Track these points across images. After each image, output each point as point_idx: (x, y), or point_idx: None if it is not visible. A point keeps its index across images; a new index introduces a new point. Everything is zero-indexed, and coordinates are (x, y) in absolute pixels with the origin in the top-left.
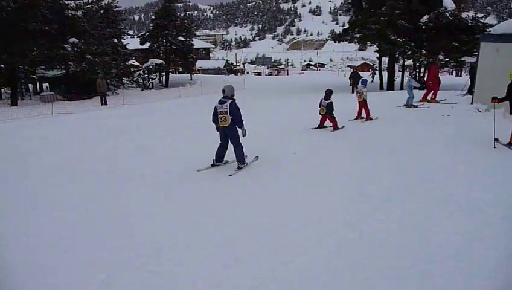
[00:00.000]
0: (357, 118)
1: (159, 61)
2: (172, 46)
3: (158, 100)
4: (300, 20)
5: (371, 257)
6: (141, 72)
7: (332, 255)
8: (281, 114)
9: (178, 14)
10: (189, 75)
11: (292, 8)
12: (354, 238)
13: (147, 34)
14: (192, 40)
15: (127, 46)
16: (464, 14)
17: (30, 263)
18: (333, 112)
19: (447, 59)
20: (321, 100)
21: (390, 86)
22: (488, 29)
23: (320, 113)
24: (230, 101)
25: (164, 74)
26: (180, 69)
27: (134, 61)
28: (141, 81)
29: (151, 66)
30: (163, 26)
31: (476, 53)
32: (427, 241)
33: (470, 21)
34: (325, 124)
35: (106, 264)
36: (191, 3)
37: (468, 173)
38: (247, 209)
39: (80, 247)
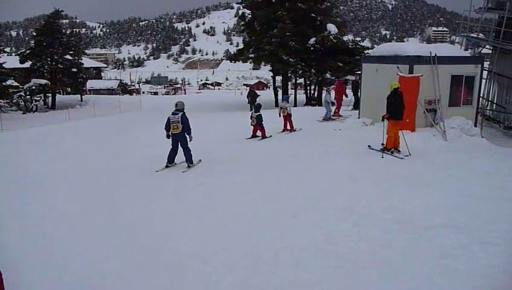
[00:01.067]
0: (283, 131)
1: (43, 81)
2: (59, 65)
3: (44, 124)
4: (195, 40)
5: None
6: (22, 94)
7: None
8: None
9: (64, 31)
10: (79, 95)
11: (186, 28)
12: (270, 256)
13: (28, 51)
14: (82, 59)
15: (3, 65)
16: (345, 38)
17: None
18: (262, 123)
19: (333, 77)
20: (251, 113)
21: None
22: (366, 52)
23: (251, 124)
24: (181, 113)
25: (50, 95)
26: (69, 89)
27: (13, 81)
28: (22, 103)
29: (34, 87)
30: (47, 43)
31: (358, 72)
32: (341, 251)
33: (350, 44)
34: (256, 134)
35: None
36: (78, 20)
37: (362, 182)
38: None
39: None
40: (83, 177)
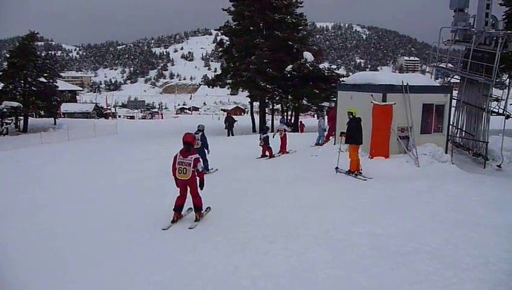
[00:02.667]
0: (281, 152)
1: (15, 104)
2: (32, 88)
3: (14, 148)
4: (173, 65)
5: None
6: None
7: None
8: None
9: (39, 53)
10: (52, 119)
11: (164, 53)
12: (248, 285)
13: (0, 73)
14: (56, 82)
15: None
16: (321, 65)
17: None
18: (269, 144)
19: (310, 104)
20: (260, 135)
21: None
22: (341, 79)
23: (260, 145)
24: (201, 133)
25: (22, 117)
26: (42, 112)
27: None
28: None
29: (5, 109)
30: (21, 65)
31: (334, 98)
32: (317, 278)
33: (326, 71)
34: (266, 153)
35: None
36: (54, 43)
37: (338, 208)
38: None
39: None
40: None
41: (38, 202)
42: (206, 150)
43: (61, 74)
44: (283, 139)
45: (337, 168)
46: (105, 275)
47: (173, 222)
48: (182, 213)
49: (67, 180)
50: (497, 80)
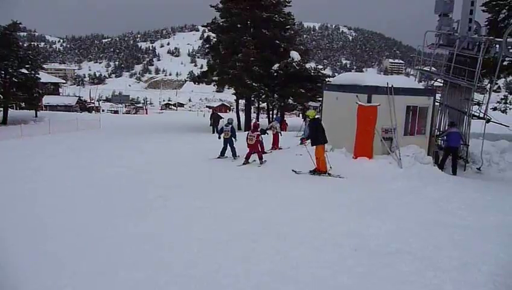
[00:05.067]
0: (274, 148)
1: None
2: (13, 79)
3: None
4: (159, 60)
5: None
6: None
7: None
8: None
9: (21, 43)
10: (34, 111)
11: (150, 48)
12: (231, 283)
13: None
14: (39, 74)
15: None
16: (307, 65)
17: None
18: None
19: (295, 103)
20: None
21: (248, 128)
22: (327, 79)
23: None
24: (231, 125)
25: (1, 109)
26: (23, 104)
27: None
28: None
29: None
30: (2, 55)
31: (320, 99)
32: (301, 277)
33: (312, 71)
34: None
35: None
36: (37, 34)
37: (321, 208)
38: None
39: None
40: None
41: (16, 196)
42: (233, 139)
43: (44, 65)
44: (275, 136)
45: (294, 170)
46: (82, 273)
47: (244, 164)
48: None
49: (46, 174)
50: (479, 85)
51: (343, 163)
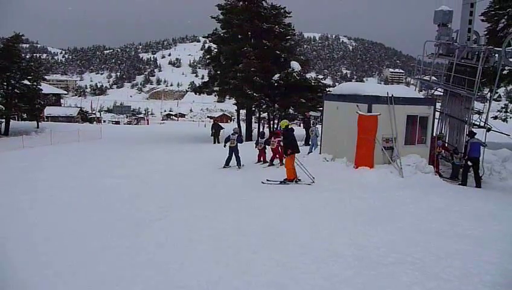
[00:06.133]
0: (273, 158)
1: None
2: (15, 90)
3: None
4: (160, 71)
5: None
6: None
7: None
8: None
9: (24, 55)
10: (35, 122)
11: (152, 59)
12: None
13: None
14: (40, 85)
15: None
16: (308, 75)
17: None
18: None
19: (296, 113)
20: (258, 139)
21: (248, 137)
22: (327, 89)
23: (258, 148)
24: (237, 135)
25: (3, 120)
26: (25, 115)
27: None
28: None
29: None
30: (4, 67)
31: (320, 108)
32: (301, 289)
33: (313, 81)
34: (261, 159)
35: None
36: (39, 45)
37: (323, 218)
38: None
39: None
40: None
41: (17, 206)
42: (239, 144)
43: (46, 77)
44: (275, 150)
45: (268, 180)
46: (82, 284)
47: (269, 165)
48: None
49: (47, 184)
50: (479, 94)
51: (344, 173)
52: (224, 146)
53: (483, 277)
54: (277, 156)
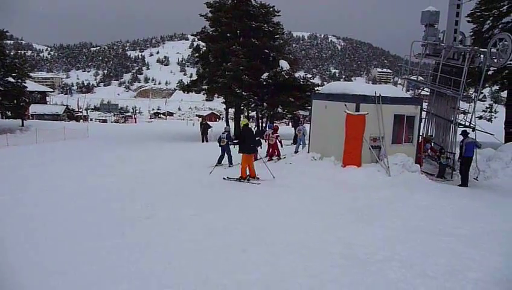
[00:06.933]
0: (267, 156)
1: None
2: None
3: None
4: (148, 69)
5: None
6: None
7: None
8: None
9: (8, 52)
10: (20, 120)
11: (140, 56)
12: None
13: None
14: (25, 82)
15: None
16: (296, 74)
17: None
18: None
19: (284, 112)
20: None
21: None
22: (316, 88)
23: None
24: (227, 133)
25: None
26: (9, 113)
27: None
28: None
29: None
30: None
31: (309, 107)
32: (289, 287)
33: (301, 80)
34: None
35: None
36: (24, 42)
37: (311, 216)
38: None
39: None
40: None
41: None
42: (231, 145)
43: (31, 74)
44: (273, 146)
45: (228, 177)
46: (68, 286)
47: (269, 160)
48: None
49: (32, 184)
50: (464, 94)
51: (332, 171)
52: (220, 146)
53: (467, 273)
54: (275, 151)
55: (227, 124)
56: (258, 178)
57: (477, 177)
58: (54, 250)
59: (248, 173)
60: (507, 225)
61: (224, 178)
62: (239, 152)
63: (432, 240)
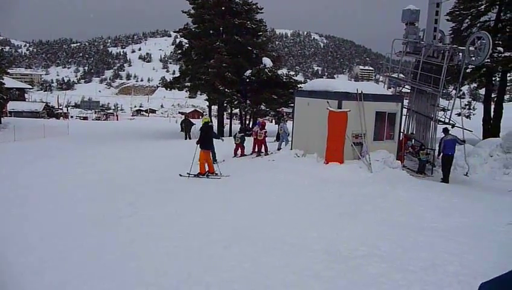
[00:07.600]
0: (253, 153)
1: None
2: None
3: None
4: (130, 66)
5: None
6: None
7: None
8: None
9: None
10: None
11: (121, 53)
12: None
13: None
14: (3, 79)
15: None
16: (279, 72)
17: None
18: (244, 143)
19: (268, 109)
20: (236, 133)
21: (219, 133)
22: (299, 86)
23: (235, 142)
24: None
25: None
26: None
27: None
28: None
29: None
30: None
31: (292, 104)
32: (271, 283)
33: (284, 77)
34: (237, 152)
35: None
36: (1, 37)
37: (293, 212)
38: None
39: None
40: None
41: None
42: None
43: (9, 70)
44: (261, 141)
45: (188, 173)
46: (46, 285)
47: (257, 156)
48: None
49: (13, 182)
50: (444, 91)
51: (314, 168)
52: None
53: (446, 267)
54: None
55: (210, 121)
56: (216, 174)
57: (467, 173)
58: (31, 250)
59: (207, 169)
60: (485, 219)
61: (180, 175)
62: (201, 148)
63: (412, 234)
